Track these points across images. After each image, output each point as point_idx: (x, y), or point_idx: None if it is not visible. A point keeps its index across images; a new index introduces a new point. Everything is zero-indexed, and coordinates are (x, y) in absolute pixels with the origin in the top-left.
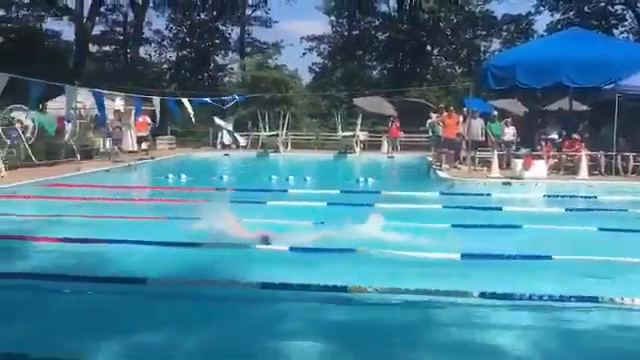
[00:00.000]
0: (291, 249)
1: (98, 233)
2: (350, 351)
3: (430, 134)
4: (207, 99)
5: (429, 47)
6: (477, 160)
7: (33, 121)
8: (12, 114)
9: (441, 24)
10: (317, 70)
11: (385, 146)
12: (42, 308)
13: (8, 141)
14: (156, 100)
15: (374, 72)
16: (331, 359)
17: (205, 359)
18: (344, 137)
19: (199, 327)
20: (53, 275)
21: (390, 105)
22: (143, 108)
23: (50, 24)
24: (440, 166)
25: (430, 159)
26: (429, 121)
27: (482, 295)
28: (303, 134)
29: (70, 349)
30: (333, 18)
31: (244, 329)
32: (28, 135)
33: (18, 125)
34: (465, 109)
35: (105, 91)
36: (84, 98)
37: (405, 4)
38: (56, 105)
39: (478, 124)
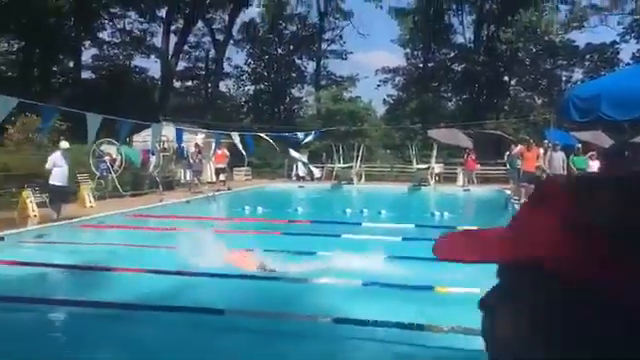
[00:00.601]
0: (364, 284)
1: (178, 264)
2: None
3: (508, 167)
4: (286, 134)
5: (507, 77)
6: None
7: (121, 154)
8: (102, 147)
9: (519, 54)
10: (391, 102)
11: (461, 179)
12: (125, 337)
13: (98, 173)
14: (235, 134)
15: (449, 103)
16: None
17: None
18: (418, 169)
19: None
20: (135, 305)
21: (466, 137)
22: (222, 141)
23: (138, 61)
24: (519, 200)
25: (508, 193)
26: (508, 153)
27: None
28: (377, 166)
29: None
30: (408, 50)
31: None
32: (116, 167)
33: (107, 158)
34: (546, 141)
35: (188, 127)
36: (167, 131)
37: (482, 35)
38: (141, 138)
39: (559, 157)
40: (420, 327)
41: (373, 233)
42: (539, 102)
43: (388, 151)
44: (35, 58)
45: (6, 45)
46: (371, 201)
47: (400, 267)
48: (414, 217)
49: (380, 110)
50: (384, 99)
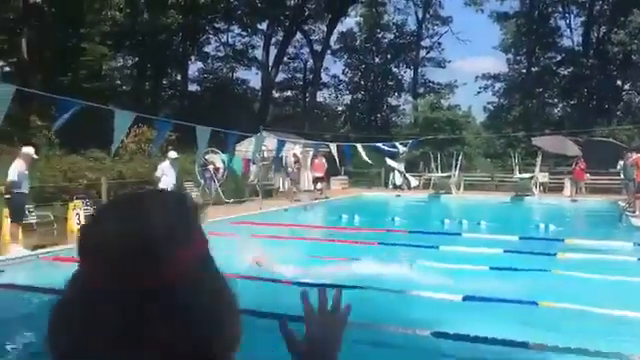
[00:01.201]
0: (465, 298)
1: (270, 271)
2: None
3: (622, 177)
4: (380, 144)
5: (619, 82)
6: None
7: (224, 163)
8: (206, 157)
9: (633, 56)
10: (492, 109)
11: (568, 189)
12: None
13: (202, 181)
14: (333, 145)
15: (555, 110)
16: None
17: None
18: (521, 179)
19: None
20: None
21: (574, 144)
22: (320, 150)
23: (240, 73)
24: (634, 212)
25: (622, 204)
26: (622, 162)
27: None
28: (477, 175)
29: None
30: (510, 55)
31: None
32: (219, 176)
33: (211, 167)
34: None
35: (287, 138)
36: (268, 141)
37: (591, 37)
38: (243, 148)
39: None
40: (524, 345)
41: (473, 245)
42: None
43: (489, 160)
44: (147, 72)
45: (121, 61)
46: (470, 211)
47: (502, 280)
48: (517, 229)
49: (480, 117)
50: (484, 106)
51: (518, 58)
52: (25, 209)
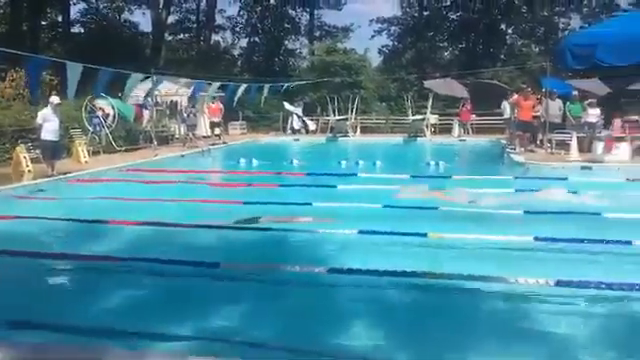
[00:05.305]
0: (360, 232)
1: (171, 216)
2: (413, 337)
3: (505, 116)
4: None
5: (503, 26)
6: (554, 143)
7: (113, 108)
8: (94, 102)
9: (516, 1)
10: (387, 52)
11: (456, 129)
12: (118, 288)
13: (91, 128)
14: (215, 84)
15: (445, 53)
16: (391, 343)
17: (271, 339)
18: (414, 121)
19: (267, 309)
20: (127, 258)
21: (462, 87)
22: (216, 95)
23: (128, 16)
24: (514, 149)
25: (504, 142)
26: (504, 103)
27: (558, 284)
28: (373, 118)
29: (142, 327)
30: None
31: (310, 311)
32: (109, 122)
33: (100, 112)
34: (543, 90)
35: (170, 80)
36: (162, 86)
37: None
38: (133, 93)
39: (556, 105)
40: (413, 274)
41: (369, 184)
42: (536, 50)
43: (383, 103)
44: (23, 12)
45: None
46: (366, 153)
47: (395, 216)
48: (409, 168)
49: (376, 61)
50: (379, 49)
51: (411, 1)
52: None
